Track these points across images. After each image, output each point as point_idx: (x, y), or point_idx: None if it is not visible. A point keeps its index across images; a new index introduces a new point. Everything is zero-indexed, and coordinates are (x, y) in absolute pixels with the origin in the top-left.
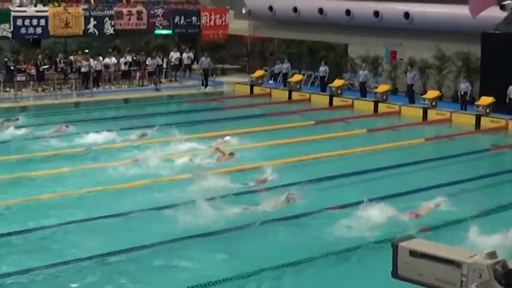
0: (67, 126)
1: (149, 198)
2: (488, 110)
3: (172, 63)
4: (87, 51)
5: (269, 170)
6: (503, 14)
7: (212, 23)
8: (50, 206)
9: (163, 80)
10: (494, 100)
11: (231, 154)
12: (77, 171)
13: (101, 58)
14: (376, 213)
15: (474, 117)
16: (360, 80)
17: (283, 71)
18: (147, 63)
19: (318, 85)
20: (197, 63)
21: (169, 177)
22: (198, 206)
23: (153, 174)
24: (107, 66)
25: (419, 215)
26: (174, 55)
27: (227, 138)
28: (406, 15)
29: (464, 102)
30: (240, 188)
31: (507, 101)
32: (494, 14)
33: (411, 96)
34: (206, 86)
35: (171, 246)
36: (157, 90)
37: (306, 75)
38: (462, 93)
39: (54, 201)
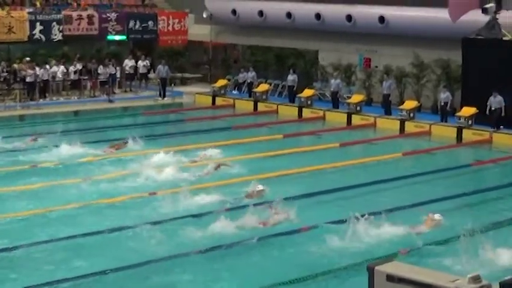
0: (35, 140)
1: (133, 214)
2: (470, 122)
3: (126, 72)
4: (28, 59)
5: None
6: (485, 18)
7: (170, 28)
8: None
9: (116, 90)
10: (477, 111)
11: (218, 167)
12: (53, 187)
13: (47, 66)
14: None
15: (455, 129)
16: (332, 89)
17: (248, 80)
18: (99, 71)
19: (286, 95)
20: (154, 71)
21: (144, 193)
22: (185, 223)
23: (135, 189)
24: (54, 75)
25: (420, 232)
26: (128, 63)
27: (205, 152)
28: (381, 19)
29: (445, 113)
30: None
31: (487, 112)
32: (475, 17)
33: (387, 107)
34: (164, 96)
35: (167, 264)
36: (110, 101)
37: (272, 85)
38: (442, 103)
39: (31, 218)
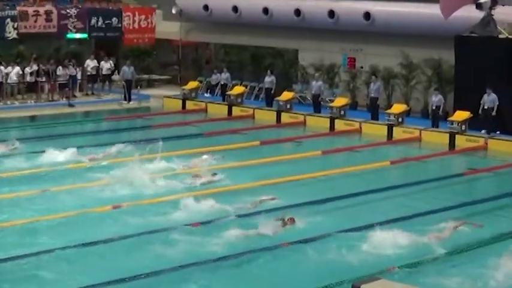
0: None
1: (135, 222)
2: (464, 127)
3: (88, 74)
4: None
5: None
6: (479, 14)
7: (136, 25)
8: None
9: (77, 93)
10: (471, 115)
11: (214, 174)
12: (43, 195)
13: (1, 67)
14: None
15: (448, 135)
16: (313, 92)
17: (222, 82)
18: (57, 73)
19: (262, 99)
20: (118, 73)
21: (149, 199)
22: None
23: (133, 196)
24: (8, 77)
25: (440, 237)
26: (90, 64)
27: (205, 157)
28: (367, 15)
29: (436, 118)
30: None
31: (480, 111)
32: (469, 14)
33: (374, 112)
34: (129, 100)
35: (175, 274)
36: (70, 105)
37: (248, 87)
38: (434, 107)
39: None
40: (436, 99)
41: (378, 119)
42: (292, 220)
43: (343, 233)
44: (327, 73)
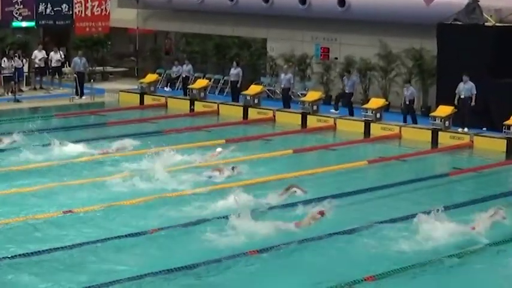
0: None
1: (169, 214)
2: (447, 124)
3: (36, 66)
4: None
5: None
6: (464, 0)
7: (88, 13)
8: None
9: (24, 87)
10: (455, 110)
11: (233, 168)
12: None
13: None
14: None
15: (430, 132)
16: (282, 86)
17: (183, 75)
18: (2, 65)
19: (228, 93)
20: (69, 65)
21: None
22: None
23: (161, 189)
24: None
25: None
26: (38, 55)
27: (219, 149)
28: (342, 2)
29: (410, 113)
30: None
31: (456, 101)
32: (452, 0)
33: (350, 107)
34: (81, 95)
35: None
36: (16, 101)
37: (212, 81)
38: (407, 102)
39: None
40: (407, 93)
41: (353, 115)
42: (322, 213)
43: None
44: (298, 65)
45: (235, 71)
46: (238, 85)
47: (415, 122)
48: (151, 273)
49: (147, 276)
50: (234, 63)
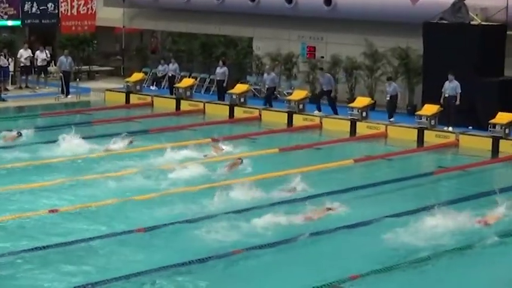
0: (19, 134)
1: (174, 210)
2: (433, 122)
3: (21, 65)
4: None
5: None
6: (450, 0)
7: (74, 12)
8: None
9: (9, 86)
10: (441, 109)
11: (241, 162)
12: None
13: None
14: None
15: (416, 131)
16: (267, 85)
17: (169, 74)
18: None
19: (214, 92)
20: (55, 64)
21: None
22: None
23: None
24: None
25: (488, 223)
26: (24, 54)
27: (220, 145)
28: (328, 1)
29: (393, 110)
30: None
31: (442, 100)
32: None
33: (332, 104)
34: (67, 94)
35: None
36: (1, 100)
37: (198, 79)
38: (388, 98)
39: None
40: (390, 89)
41: (337, 113)
42: (330, 208)
43: None
44: (284, 63)
45: (221, 70)
46: (225, 84)
47: (390, 116)
48: (159, 268)
49: (155, 271)
50: (220, 62)
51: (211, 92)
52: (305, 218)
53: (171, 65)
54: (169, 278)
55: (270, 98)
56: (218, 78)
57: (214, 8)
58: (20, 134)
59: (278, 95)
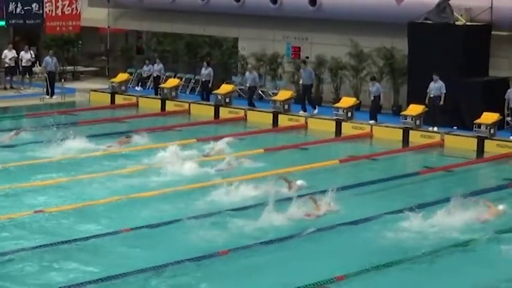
0: (17, 134)
1: (177, 207)
2: (418, 122)
3: (6, 65)
4: None
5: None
6: (434, 0)
7: (59, 12)
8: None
9: None
10: (426, 109)
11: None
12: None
13: None
14: None
15: (401, 131)
16: (248, 85)
17: (154, 74)
18: None
19: (199, 92)
20: (40, 64)
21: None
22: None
23: (167, 183)
24: None
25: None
26: (8, 54)
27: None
28: (313, 1)
29: (376, 110)
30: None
31: (426, 100)
32: None
33: (309, 99)
34: (52, 94)
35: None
36: None
37: (183, 80)
38: (372, 98)
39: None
40: (373, 89)
41: (314, 108)
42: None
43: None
44: (269, 64)
45: (206, 71)
46: (210, 85)
47: (372, 118)
48: (169, 263)
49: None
50: (205, 63)
51: (196, 93)
52: (305, 215)
53: (156, 65)
54: (166, 277)
55: (252, 97)
56: (203, 79)
57: (199, 9)
58: (17, 133)
59: (263, 95)
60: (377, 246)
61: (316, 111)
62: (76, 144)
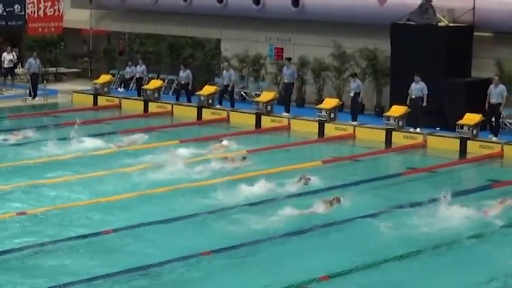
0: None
1: (195, 202)
2: (401, 123)
3: None
4: None
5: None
6: (417, 1)
7: (41, 13)
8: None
9: None
10: (409, 110)
11: (244, 158)
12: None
13: None
14: None
15: (384, 132)
16: (224, 83)
17: (137, 76)
18: None
19: (182, 93)
20: (22, 66)
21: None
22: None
23: (180, 179)
24: None
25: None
26: None
27: (224, 142)
28: (295, 2)
29: (356, 107)
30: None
31: (408, 101)
32: (406, 0)
33: (287, 99)
34: (35, 96)
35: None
36: None
37: (166, 81)
38: (352, 94)
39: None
40: (354, 85)
41: (288, 107)
42: (338, 200)
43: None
44: (252, 65)
45: (184, 74)
46: (190, 87)
47: (353, 118)
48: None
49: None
50: (182, 66)
51: (171, 93)
52: (311, 212)
53: (138, 66)
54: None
55: (222, 96)
56: (183, 82)
57: (182, 10)
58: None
59: (246, 96)
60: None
61: (288, 114)
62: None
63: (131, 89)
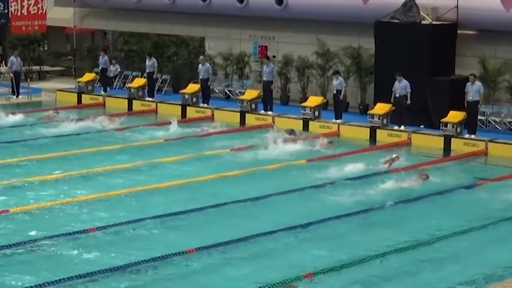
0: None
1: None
2: (385, 121)
3: None
4: None
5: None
6: None
7: (25, 11)
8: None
9: None
10: (393, 108)
11: (331, 142)
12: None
13: None
14: None
15: (368, 130)
16: (201, 77)
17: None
18: None
19: (167, 91)
20: (5, 64)
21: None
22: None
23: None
24: None
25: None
26: None
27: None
28: (279, 0)
29: (338, 104)
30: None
31: (392, 100)
32: None
33: (269, 97)
34: (18, 94)
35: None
36: None
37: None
38: (334, 91)
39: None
40: (336, 82)
41: (270, 104)
42: (427, 176)
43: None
44: (236, 63)
45: (150, 62)
46: (154, 76)
47: (337, 115)
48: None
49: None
50: (147, 55)
51: (163, 92)
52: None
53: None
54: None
55: (206, 89)
56: (148, 71)
57: (166, 8)
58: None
59: (231, 95)
60: None
61: (270, 112)
62: None
63: (115, 87)
